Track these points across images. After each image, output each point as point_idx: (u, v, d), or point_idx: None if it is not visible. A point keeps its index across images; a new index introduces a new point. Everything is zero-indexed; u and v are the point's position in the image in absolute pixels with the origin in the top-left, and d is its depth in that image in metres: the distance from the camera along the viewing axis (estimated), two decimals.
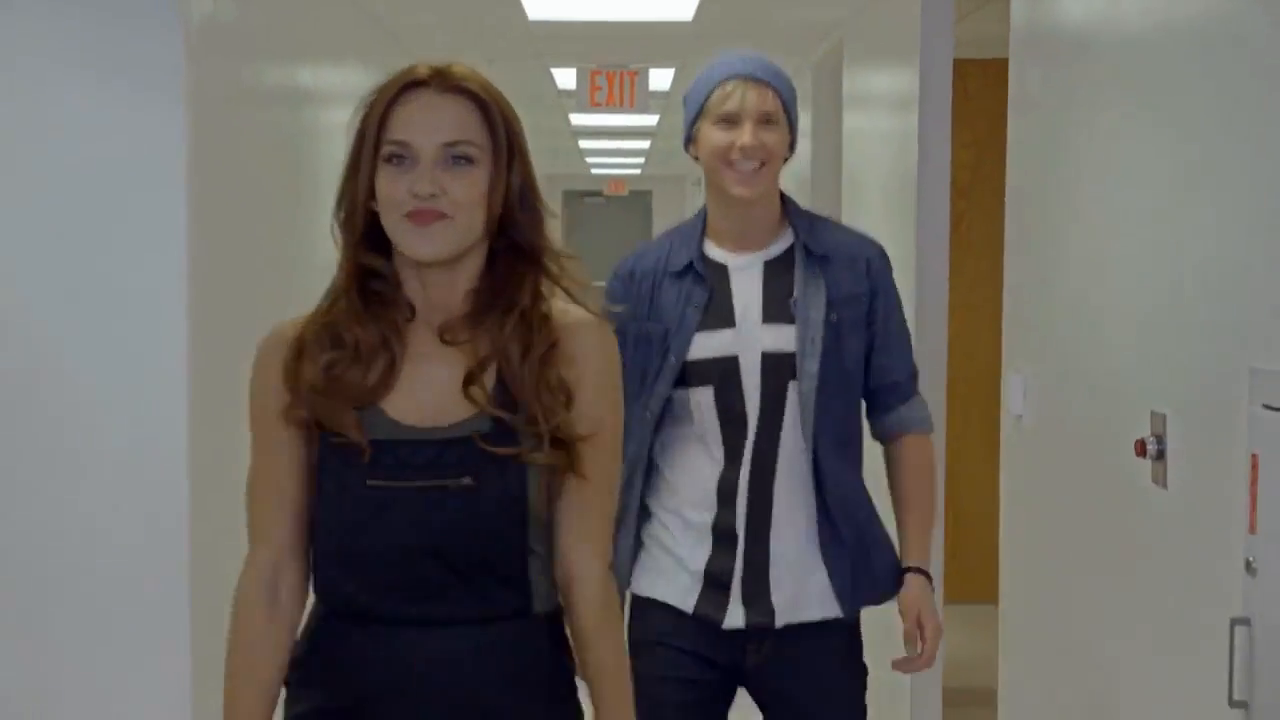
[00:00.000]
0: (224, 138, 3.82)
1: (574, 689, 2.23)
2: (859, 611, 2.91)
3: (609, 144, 15.68)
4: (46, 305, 3.52)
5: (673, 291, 2.87)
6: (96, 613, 3.72)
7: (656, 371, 2.84)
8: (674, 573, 2.88)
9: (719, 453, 2.83)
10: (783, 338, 2.83)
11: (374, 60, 6.10)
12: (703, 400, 2.83)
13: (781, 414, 2.82)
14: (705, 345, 2.83)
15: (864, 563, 2.86)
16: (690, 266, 2.86)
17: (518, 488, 2.11)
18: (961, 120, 4.91)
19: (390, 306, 2.17)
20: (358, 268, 2.17)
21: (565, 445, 2.12)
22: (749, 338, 2.84)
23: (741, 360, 2.83)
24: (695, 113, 2.85)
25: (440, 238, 2.09)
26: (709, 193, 2.90)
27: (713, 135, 2.80)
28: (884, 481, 2.98)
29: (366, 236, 2.15)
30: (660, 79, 8.95)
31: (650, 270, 2.89)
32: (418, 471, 2.10)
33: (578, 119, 12.00)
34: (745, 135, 2.77)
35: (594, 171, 20.15)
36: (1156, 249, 2.74)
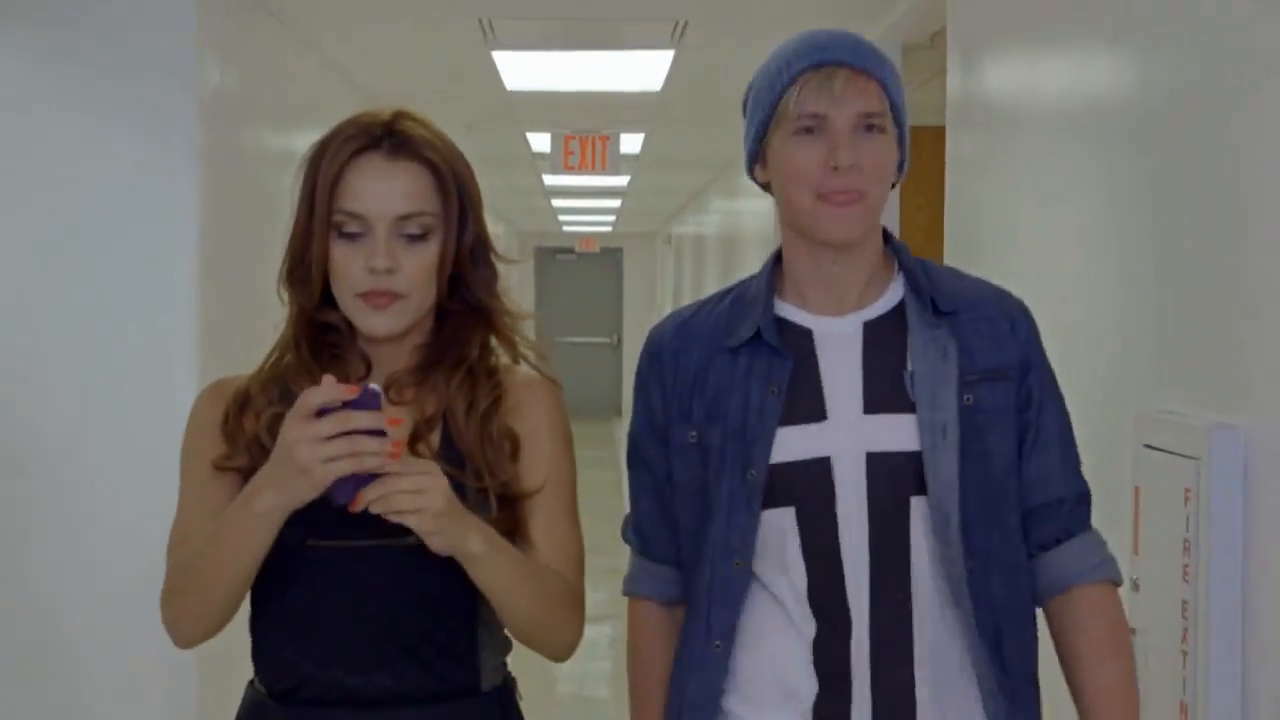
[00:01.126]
0: (228, 191, 4.23)
1: None
2: None
3: (581, 202, 15.87)
4: (74, 332, 3.93)
5: (732, 372, 2.02)
6: (111, 605, 3.99)
7: (729, 495, 1.98)
8: None
9: (805, 612, 1.97)
10: (896, 432, 1.97)
11: None
12: (782, 526, 1.98)
13: (907, 546, 1.96)
14: (786, 446, 1.98)
15: None
16: (758, 336, 2.01)
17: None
18: (917, 183, 5.24)
19: (343, 361, 2.07)
20: (311, 323, 2.07)
21: (512, 503, 2.01)
22: (846, 434, 1.98)
23: (836, 465, 1.97)
24: (764, 121, 2.00)
25: (395, 317, 2.01)
26: (785, 232, 2.08)
27: (791, 152, 1.96)
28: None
29: (317, 295, 2.05)
30: (630, 143, 9.22)
31: (699, 344, 2.05)
32: (361, 530, 1.95)
33: (551, 179, 12.33)
34: (841, 149, 1.93)
35: (566, 229, 20.22)
36: (1062, 302, 3.04)
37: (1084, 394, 2.78)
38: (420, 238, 1.97)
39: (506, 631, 2.03)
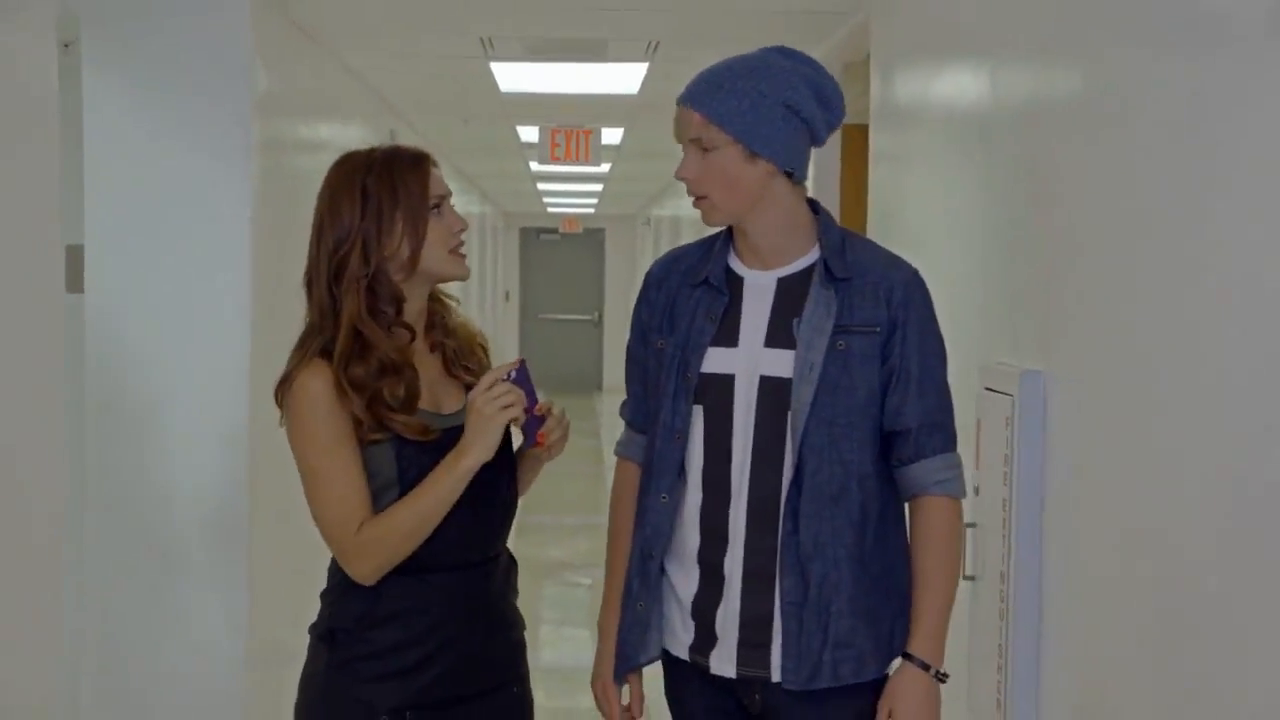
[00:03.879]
0: (272, 172, 4.89)
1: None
2: (858, 681, 2.51)
3: (565, 186, 16.00)
4: (145, 310, 4.51)
5: (690, 301, 2.57)
6: (178, 547, 4.58)
7: (674, 389, 2.53)
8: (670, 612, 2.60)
9: (698, 482, 2.54)
10: (784, 363, 2.48)
11: (372, 120, 7.19)
12: (694, 422, 2.54)
13: (782, 449, 2.47)
14: (709, 360, 2.53)
15: (820, 635, 2.47)
16: (707, 280, 2.56)
17: (509, 451, 2.66)
18: (856, 170, 5.41)
19: (394, 331, 2.55)
20: (369, 306, 2.53)
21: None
22: (750, 360, 2.50)
23: (737, 381, 2.50)
24: None
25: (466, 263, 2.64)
26: None
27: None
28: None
29: (377, 284, 2.56)
30: (611, 135, 9.57)
31: (676, 278, 2.61)
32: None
33: (537, 165, 12.34)
34: (679, 167, 2.53)
35: (550, 210, 20.17)
36: (946, 272, 3.35)
37: (955, 348, 2.92)
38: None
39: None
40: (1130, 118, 2.49)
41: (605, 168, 12.57)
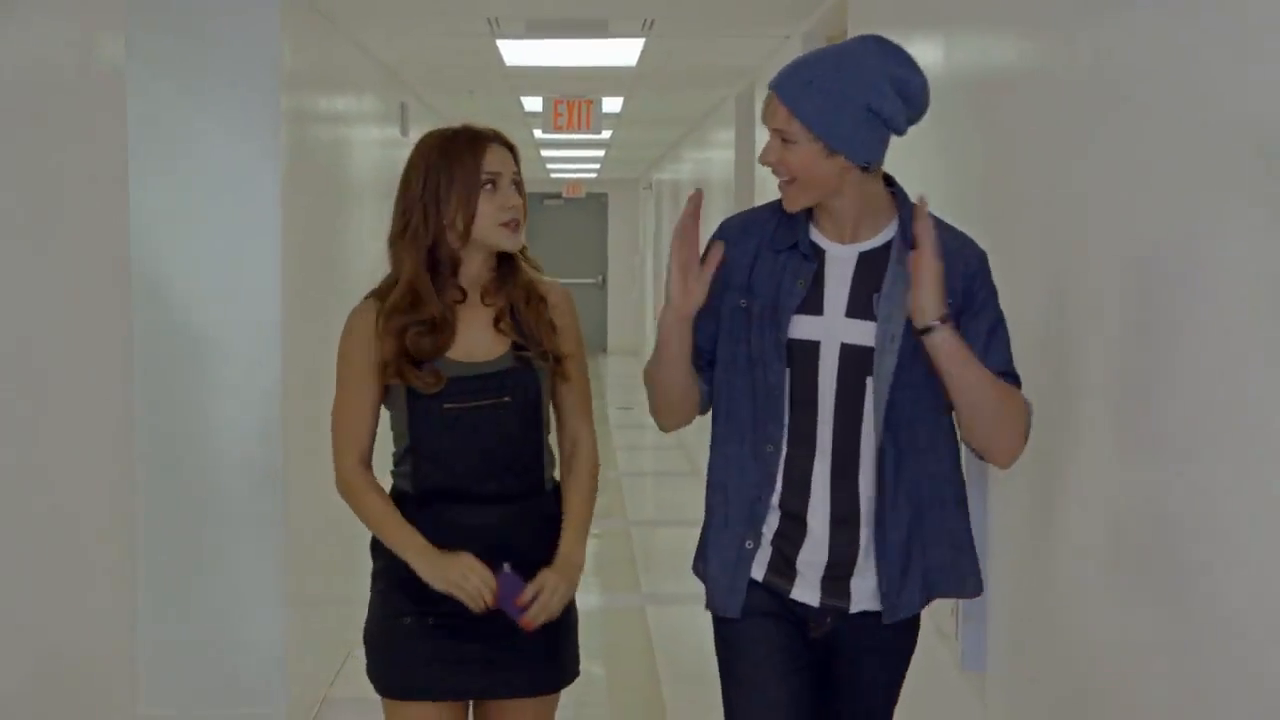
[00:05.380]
0: (296, 137, 5.31)
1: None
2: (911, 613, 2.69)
3: (568, 152, 16.01)
4: (186, 270, 4.93)
5: (773, 265, 2.66)
6: (218, 495, 4.98)
7: (767, 350, 2.64)
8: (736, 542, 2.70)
9: (783, 437, 2.65)
10: (864, 333, 2.60)
11: (385, 93, 7.58)
12: (781, 382, 2.64)
13: (861, 410, 2.61)
14: (796, 326, 2.63)
15: (902, 574, 2.65)
16: (796, 245, 2.65)
17: (535, 400, 2.94)
18: None
19: (446, 290, 2.91)
20: (429, 263, 2.89)
21: (558, 360, 2.95)
22: (833, 328, 2.62)
23: (823, 348, 2.62)
24: None
25: (520, 237, 2.95)
26: None
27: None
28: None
29: (435, 246, 2.91)
30: (612, 104, 9.84)
31: (754, 240, 2.69)
32: (473, 395, 2.88)
33: (541, 133, 12.39)
34: (762, 151, 2.64)
35: (554, 175, 20.16)
36: None
37: None
38: (517, 188, 2.94)
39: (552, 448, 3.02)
40: (1076, 85, 2.72)
41: (606, 134, 12.72)
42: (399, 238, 2.92)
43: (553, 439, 3.06)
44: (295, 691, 5.21)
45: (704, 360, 2.74)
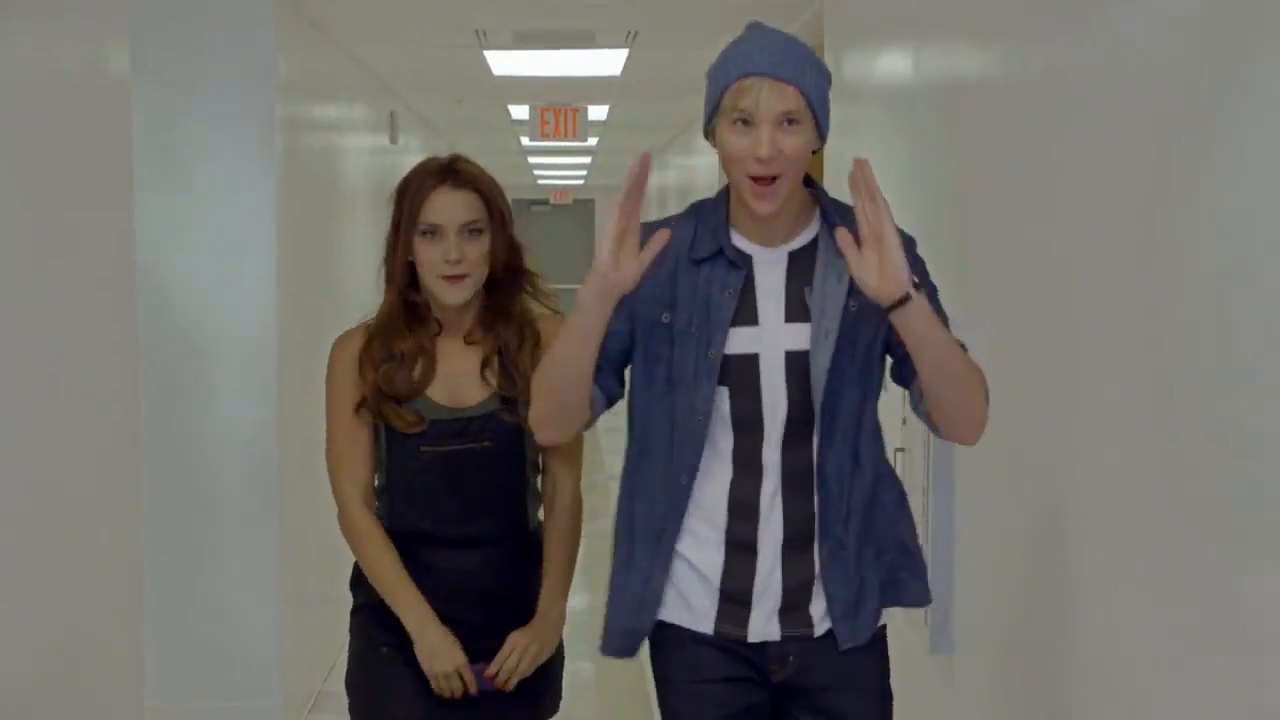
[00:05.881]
0: (290, 144, 5.46)
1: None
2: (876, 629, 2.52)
3: (555, 159, 16.29)
4: (187, 278, 5.04)
5: (695, 277, 2.45)
6: (216, 493, 5.09)
7: (696, 368, 2.42)
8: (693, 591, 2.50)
9: (727, 462, 2.45)
10: (804, 336, 2.43)
11: (375, 102, 7.73)
12: (718, 403, 2.43)
13: (812, 420, 2.43)
14: (732, 340, 2.43)
15: (861, 586, 2.48)
16: (720, 253, 2.44)
17: (519, 444, 2.83)
18: None
19: (425, 323, 2.82)
20: (403, 302, 2.81)
21: None
22: (772, 337, 2.43)
23: (762, 360, 2.43)
24: (711, 109, 2.41)
25: (463, 290, 2.79)
26: (732, 185, 2.46)
27: (730, 139, 2.37)
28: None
29: (406, 282, 2.81)
30: (598, 112, 9.96)
31: (673, 251, 2.44)
32: (453, 439, 2.79)
33: (528, 141, 12.69)
34: (763, 145, 2.33)
35: (541, 182, 20.43)
36: None
37: None
38: (478, 233, 2.79)
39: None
40: (1032, 91, 2.80)
41: (593, 141, 12.82)
42: (380, 268, 2.88)
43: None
44: (290, 685, 5.32)
45: (605, 365, 2.49)
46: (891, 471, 2.57)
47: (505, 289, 2.88)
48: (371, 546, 2.83)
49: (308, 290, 5.66)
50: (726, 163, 2.41)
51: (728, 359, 2.44)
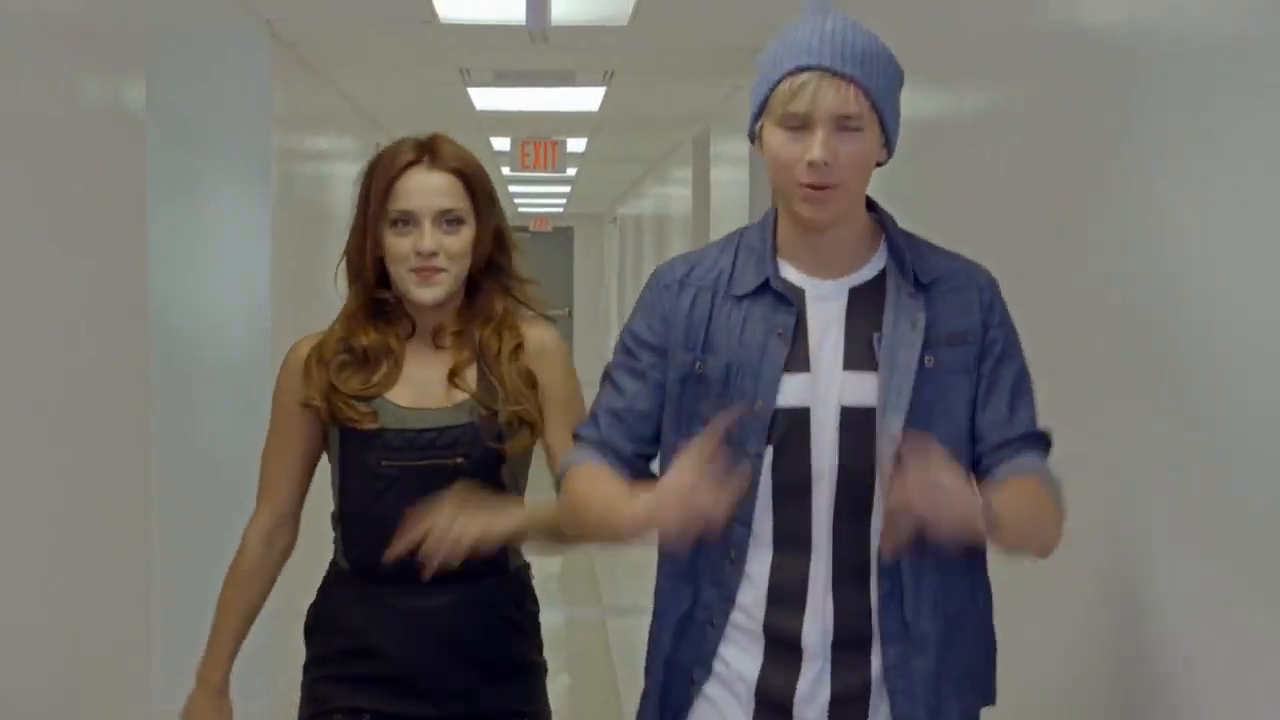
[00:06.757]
0: (286, 172, 5.77)
1: (538, 628, 2.50)
2: None
3: (535, 188, 16.31)
4: (190, 299, 5.22)
5: (736, 316, 2.05)
6: (223, 496, 5.17)
7: (739, 429, 2.00)
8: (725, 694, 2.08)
9: (767, 538, 2.03)
10: (868, 389, 2.01)
11: (361, 134, 8.08)
12: (762, 464, 2.02)
13: (871, 492, 2.00)
14: (779, 391, 2.03)
15: (933, 702, 2.02)
16: (766, 286, 2.06)
17: (496, 463, 2.40)
18: None
19: (394, 323, 2.45)
20: (369, 298, 2.44)
21: (531, 425, 2.40)
22: (827, 388, 2.02)
23: (814, 415, 2.02)
24: (759, 106, 2.05)
25: (437, 287, 2.39)
26: (776, 201, 2.12)
27: (778, 143, 2.01)
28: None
29: (375, 279, 2.43)
30: (576, 144, 10.20)
31: (704, 288, 2.09)
32: (419, 452, 2.37)
33: (509, 171, 12.66)
34: (816, 148, 1.97)
35: (521, 209, 20.24)
36: None
37: None
38: (458, 222, 2.39)
39: None
40: (990, 132, 2.94)
41: (571, 172, 13.00)
42: (340, 261, 2.52)
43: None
44: (280, 688, 5.56)
45: (632, 440, 2.11)
46: (983, 565, 2.10)
47: (488, 288, 2.49)
48: (232, 578, 2.55)
49: (299, 308, 5.96)
50: (773, 170, 2.05)
51: (775, 413, 2.03)
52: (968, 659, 2.07)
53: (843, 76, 1.98)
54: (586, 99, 7.79)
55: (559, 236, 22.39)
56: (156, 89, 5.02)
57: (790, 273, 2.09)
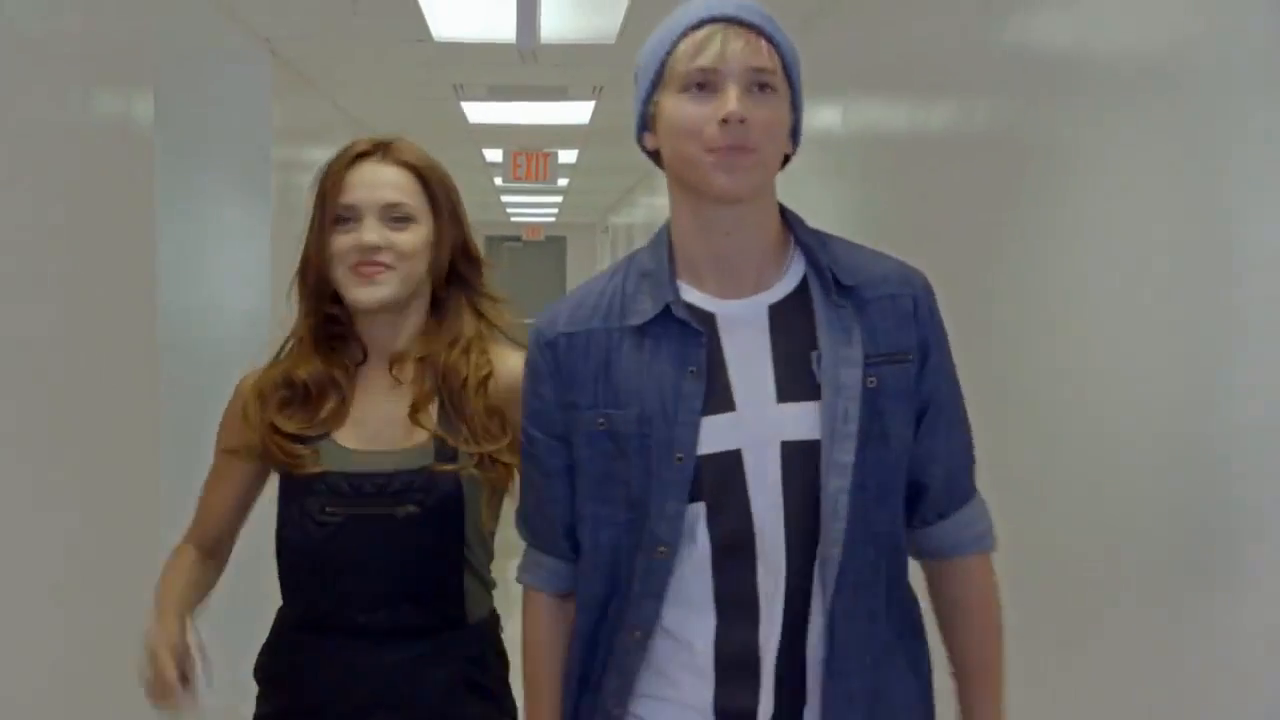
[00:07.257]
0: (285, 184, 5.92)
1: (507, 689, 2.19)
2: None
3: (527, 197, 16.31)
4: (193, 305, 5.39)
5: (642, 356, 1.77)
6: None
7: (646, 484, 1.75)
8: None
9: (708, 603, 1.76)
10: (811, 421, 1.74)
11: None
12: (689, 525, 1.75)
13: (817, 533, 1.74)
14: (701, 437, 1.75)
15: None
16: (668, 313, 1.77)
17: (455, 512, 2.09)
18: None
19: (344, 349, 2.15)
20: (317, 316, 2.14)
21: (502, 466, 2.09)
22: (760, 424, 1.75)
23: (747, 459, 1.74)
24: (651, 82, 1.77)
25: (380, 287, 2.08)
26: (675, 207, 1.81)
27: (682, 108, 1.72)
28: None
29: (323, 290, 2.13)
30: (568, 156, 10.24)
31: (597, 326, 1.81)
32: (368, 500, 2.07)
33: (501, 181, 12.63)
34: (730, 102, 1.69)
35: (513, 219, 20.26)
36: None
37: None
38: (407, 220, 2.11)
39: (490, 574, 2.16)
40: (949, 148, 3.09)
41: (563, 182, 13.00)
42: (294, 280, 2.22)
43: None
44: None
45: (568, 540, 1.89)
46: (906, 633, 1.87)
47: (453, 309, 2.20)
48: (166, 570, 2.22)
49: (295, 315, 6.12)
50: (675, 140, 1.74)
51: (705, 463, 1.75)
52: (914, 688, 1.87)
53: (751, 27, 1.74)
54: (577, 112, 7.88)
55: (552, 245, 22.39)
56: (164, 104, 5.23)
57: (693, 295, 1.80)
